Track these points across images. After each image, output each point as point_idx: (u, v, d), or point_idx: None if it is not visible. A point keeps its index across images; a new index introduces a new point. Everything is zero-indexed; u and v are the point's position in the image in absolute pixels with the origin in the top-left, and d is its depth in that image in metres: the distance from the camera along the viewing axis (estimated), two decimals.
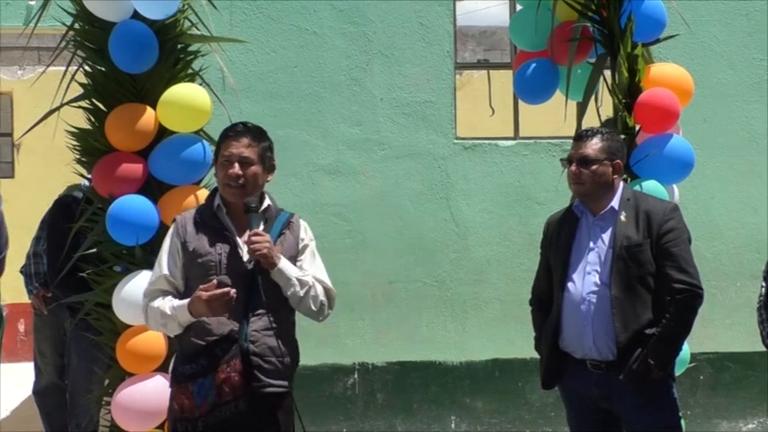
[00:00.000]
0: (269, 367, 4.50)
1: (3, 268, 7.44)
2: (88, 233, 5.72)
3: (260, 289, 4.47)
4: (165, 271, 4.60)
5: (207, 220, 4.61)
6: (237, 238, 4.57)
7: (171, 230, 4.67)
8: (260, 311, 4.51)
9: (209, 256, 4.52)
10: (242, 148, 4.58)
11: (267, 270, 4.50)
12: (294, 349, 4.69)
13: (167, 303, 4.53)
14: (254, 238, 4.44)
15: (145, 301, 4.64)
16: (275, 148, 4.73)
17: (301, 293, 4.57)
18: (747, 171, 9.12)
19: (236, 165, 4.55)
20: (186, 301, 4.47)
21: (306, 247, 4.74)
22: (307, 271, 4.66)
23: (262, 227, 4.57)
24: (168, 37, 5.74)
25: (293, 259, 4.64)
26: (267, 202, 4.69)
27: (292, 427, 4.69)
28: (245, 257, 4.52)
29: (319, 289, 4.65)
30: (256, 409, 4.49)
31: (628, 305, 4.80)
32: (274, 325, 4.51)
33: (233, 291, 4.37)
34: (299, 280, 4.56)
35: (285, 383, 4.56)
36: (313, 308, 4.62)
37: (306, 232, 4.77)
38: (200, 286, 4.39)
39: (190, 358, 4.50)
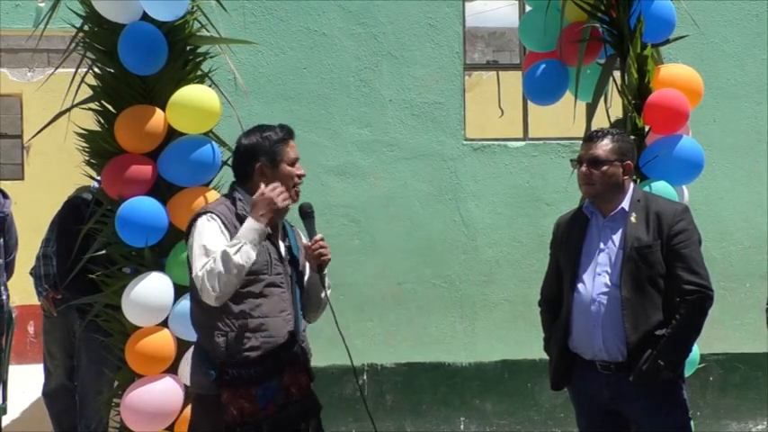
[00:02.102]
0: (310, 365, 4.66)
1: (13, 270, 7.47)
2: (97, 235, 5.73)
3: (315, 289, 4.69)
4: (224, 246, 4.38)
5: (245, 218, 4.49)
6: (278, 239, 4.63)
7: (215, 222, 4.48)
8: (301, 312, 4.65)
9: (261, 255, 4.45)
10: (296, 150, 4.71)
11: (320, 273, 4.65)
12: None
13: (223, 247, 4.33)
14: (322, 243, 4.57)
15: (201, 274, 4.34)
16: None
17: (327, 297, 4.73)
18: (757, 172, 9.11)
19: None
20: (246, 223, 4.38)
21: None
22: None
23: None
24: (177, 38, 5.75)
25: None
26: None
27: None
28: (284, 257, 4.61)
29: None
30: (315, 405, 4.63)
31: (638, 306, 4.79)
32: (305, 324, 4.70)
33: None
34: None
35: None
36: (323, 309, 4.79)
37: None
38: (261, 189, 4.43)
39: (252, 362, 4.43)
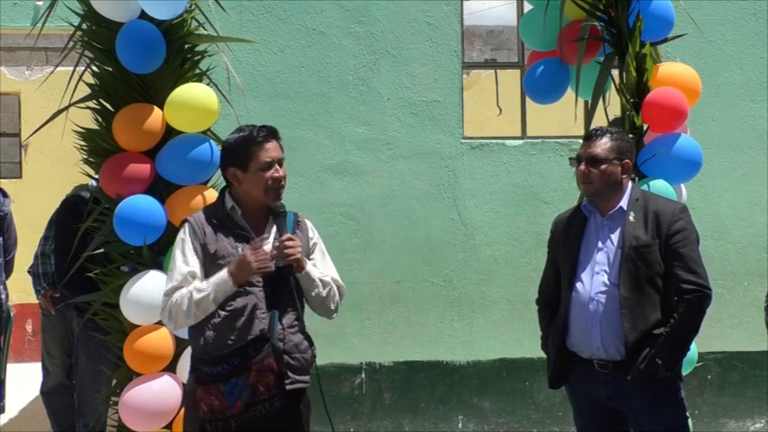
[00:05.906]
0: (296, 364, 4.57)
1: (12, 269, 7.46)
2: (96, 233, 5.73)
3: (293, 289, 4.58)
4: (193, 266, 4.56)
5: (223, 221, 4.62)
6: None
7: (186, 232, 4.63)
8: (286, 310, 4.57)
9: (231, 257, 4.53)
10: (278, 150, 4.64)
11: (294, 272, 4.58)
12: (311, 344, 4.74)
13: (196, 285, 4.50)
14: (288, 243, 4.50)
15: (166, 299, 4.57)
16: (284, 147, 4.75)
17: (324, 294, 4.66)
18: (755, 170, 9.11)
19: (279, 168, 4.60)
20: (221, 273, 4.47)
21: (315, 245, 4.80)
22: (320, 269, 4.72)
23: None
24: (175, 37, 5.75)
25: (306, 258, 4.70)
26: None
27: (308, 419, 4.75)
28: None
29: (335, 288, 4.74)
30: (288, 405, 4.55)
31: (636, 305, 4.80)
32: (296, 322, 4.59)
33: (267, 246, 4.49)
34: (321, 281, 4.65)
35: (308, 378, 4.66)
36: (332, 307, 4.73)
37: (313, 231, 4.84)
38: (245, 250, 4.46)
39: (220, 359, 4.47)
